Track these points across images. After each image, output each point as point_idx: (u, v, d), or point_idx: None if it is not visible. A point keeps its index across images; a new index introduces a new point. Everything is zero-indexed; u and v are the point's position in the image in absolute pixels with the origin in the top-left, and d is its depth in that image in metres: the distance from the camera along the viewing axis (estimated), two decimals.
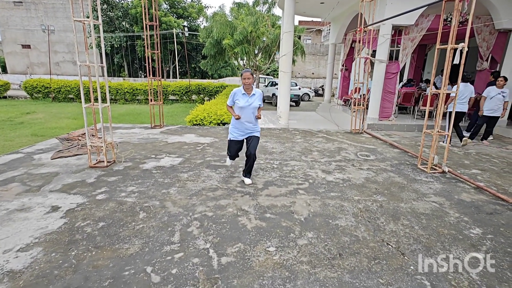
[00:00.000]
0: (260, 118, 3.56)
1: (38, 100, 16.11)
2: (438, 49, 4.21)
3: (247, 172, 3.78)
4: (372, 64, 7.89)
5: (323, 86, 24.85)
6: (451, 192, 3.68)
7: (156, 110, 7.65)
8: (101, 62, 3.93)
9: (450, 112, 5.77)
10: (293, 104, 16.47)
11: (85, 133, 6.18)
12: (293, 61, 13.89)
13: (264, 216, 2.96)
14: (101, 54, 4.53)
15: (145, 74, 29.51)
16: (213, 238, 2.55)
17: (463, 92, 5.84)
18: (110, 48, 25.63)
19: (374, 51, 7.93)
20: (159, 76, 7.23)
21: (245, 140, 3.72)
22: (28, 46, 27.69)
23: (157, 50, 7.07)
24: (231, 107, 3.63)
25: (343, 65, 11.93)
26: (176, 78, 28.13)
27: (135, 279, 2.02)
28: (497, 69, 7.85)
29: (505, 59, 7.58)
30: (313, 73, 29.88)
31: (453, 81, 6.42)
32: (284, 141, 6.16)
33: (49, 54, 20.79)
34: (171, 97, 18.26)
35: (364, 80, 7.65)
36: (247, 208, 3.12)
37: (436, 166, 4.53)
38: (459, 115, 6.11)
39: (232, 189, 3.60)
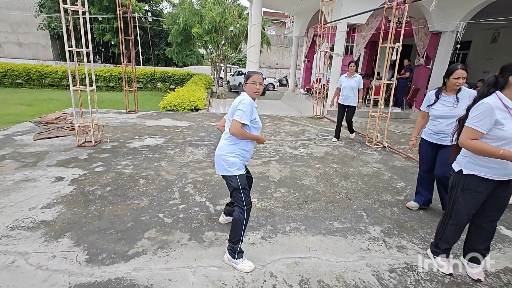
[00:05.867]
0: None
1: None
2: (380, 47, 5.19)
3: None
4: (331, 57, 8.88)
5: (286, 76, 25.93)
6: (388, 160, 4.72)
7: (129, 96, 7.81)
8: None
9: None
10: None
11: (59, 117, 6.27)
12: (259, 52, 14.51)
13: None
14: (86, 38, 4.42)
15: (102, 60, 27.84)
16: (207, 194, 3.18)
17: (343, 84, 5.45)
18: (63, 30, 23.74)
19: (333, 46, 8.91)
20: (133, 62, 7.37)
21: None
22: None
23: (131, 36, 7.21)
24: (243, 125, 1.96)
25: (305, 57, 12.90)
26: (140, 65, 27.06)
27: (152, 221, 2.59)
28: (431, 65, 9.36)
29: (436, 56, 9.08)
30: (277, 64, 30.84)
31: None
32: None
33: None
34: (133, 84, 17.84)
35: (324, 71, 8.61)
36: None
37: (379, 143, 5.60)
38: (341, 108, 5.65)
39: None
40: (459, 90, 2.65)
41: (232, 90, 17.80)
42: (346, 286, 1.94)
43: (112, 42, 25.14)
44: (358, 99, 5.45)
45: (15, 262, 1.98)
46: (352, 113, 5.63)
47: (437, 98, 2.73)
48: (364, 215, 2.91)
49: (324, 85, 8.77)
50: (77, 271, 1.93)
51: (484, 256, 2.10)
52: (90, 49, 4.34)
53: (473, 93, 2.60)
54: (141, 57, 28.40)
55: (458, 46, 7.35)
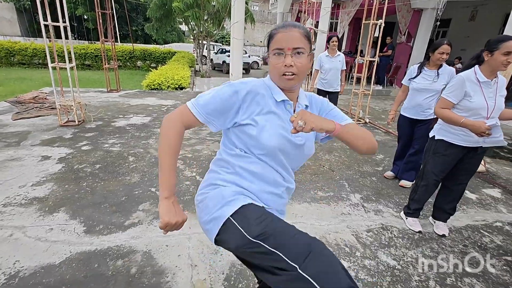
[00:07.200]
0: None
1: None
2: (363, 23, 5.26)
3: None
4: (316, 34, 8.85)
5: None
6: None
7: (110, 74, 7.56)
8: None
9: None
10: (243, 71, 16.98)
11: (36, 96, 6.04)
12: (244, 29, 14.13)
13: None
14: (62, 11, 4.07)
15: (75, 36, 26.23)
16: (196, 169, 3.28)
17: (326, 66, 4.40)
18: (30, 3, 21.93)
19: (318, 22, 8.87)
20: (112, 39, 7.07)
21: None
22: None
23: (108, 10, 6.85)
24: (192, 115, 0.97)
25: None
26: (117, 41, 25.72)
27: (145, 195, 2.68)
28: (412, 43, 9.55)
29: (417, 34, 9.26)
30: (261, 41, 30.21)
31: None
32: None
33: None
34: (113, 62, 17.10)
35: None
36: (217, 149, 3.87)
37: (361, 119, 5.83)
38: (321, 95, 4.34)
39: (203, 138, 4.29)
40: (441, 66, 2.80)
41: (215, 68, 17.46)
42: (328, 244, 2.15)
43: (85, 17, 23.58)
44: (341, 82, 4.54)
45: (13, 235, 2.03)
46: (336, 101, 4.57)
47: (419, 72, 2.87)
48: (346, 185, 3.13)
49: None
50: (76, 241, 2.02)
51: (450, 215, 2.37)
52: (67, 23, 4.15)
53: (453, 71, 2.77)
54: (118, 33, 26.97)
55: (438, 23, 7.52)
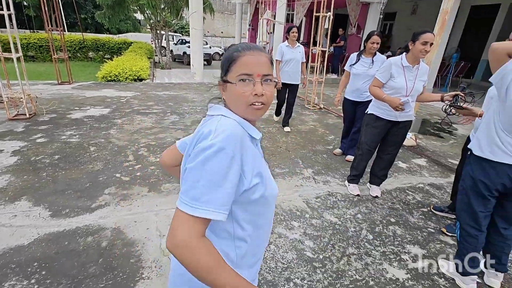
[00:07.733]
0: None
1: None
2: (315, 15, 5.65)
3: None
4: (274, 25, 9.15)
5: (232, 45, 25.44)
6: (322, 119, 5.42)
7: (59, 66, 7.12)
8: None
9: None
10: (205, 62, 16.80)
11: None
12: (203, 19, 13.93)
13: None
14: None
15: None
16: (160, 155, 3.39)
17: (287, 57, 4.24)
18: None
19: (276, 13, 9.16)
20: (60, 27, 6.65)
21: None
22: None
23: None
24: (200, 220, 0.66)
25: (249, 25, 12.92)
26: (64, 30, 23.64)
27: (110, 181, 2.76)
28: (361, 34, 10.30)
29: (366, 26, 10.02)
30: (222, 32, 29.88)
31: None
32: (203, 92, 7.00)
33: None
34: (62, 53, 15.81)
35: (267, 39, 8.90)
36: (182, 137, 4.00)
37: (316, 105, 6.30)
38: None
39: (166, 127, 4.38)
40: (375, 54, 3.23)
41: (176, 60, 17.03)
42: (283, 210, 2.48)
43: (25, 3, 21.32)
44: (303, 74, 4.49)
45: None
46: (295, 93, 4.50)
47: (358, 59, 3.29)
48: (300, 162, 3.49)
49: (268, 51, 9.10)
50: (43, 224, 2.09)
51: (382, 180, 2.82)
52: (12, 11, 3.90)
53: (384, 58, 3.21)
54: (64, 21, 24.79)
55: (381, 16, 8.24)
